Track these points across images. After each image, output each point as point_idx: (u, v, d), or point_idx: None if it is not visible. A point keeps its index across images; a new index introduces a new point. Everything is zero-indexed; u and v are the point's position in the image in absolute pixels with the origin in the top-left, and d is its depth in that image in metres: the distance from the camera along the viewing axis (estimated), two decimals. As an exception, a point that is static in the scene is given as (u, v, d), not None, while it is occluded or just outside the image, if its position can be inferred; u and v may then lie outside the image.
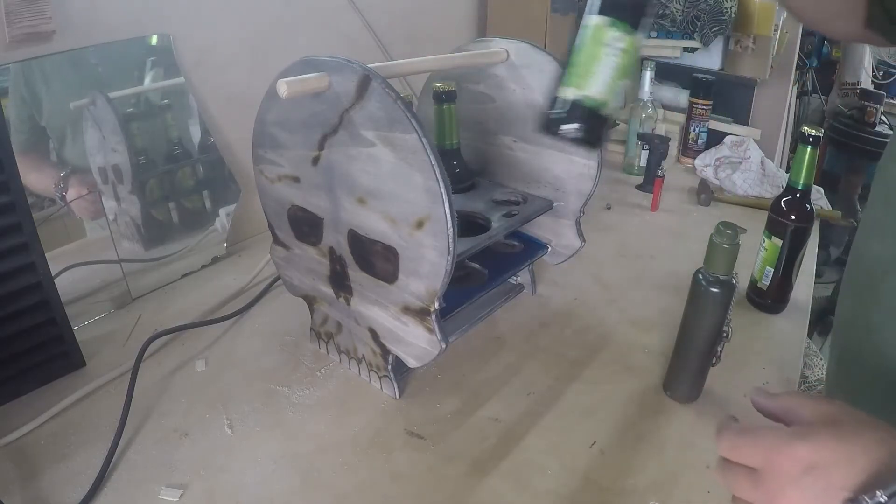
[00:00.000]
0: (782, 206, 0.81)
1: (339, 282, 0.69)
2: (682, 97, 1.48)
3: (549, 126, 0.51)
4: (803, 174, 0.79)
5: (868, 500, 0.32)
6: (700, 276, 0.63)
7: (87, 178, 0.84)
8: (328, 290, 0.71)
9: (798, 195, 0.80)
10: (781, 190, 0.84)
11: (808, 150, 0.78)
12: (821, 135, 0.77)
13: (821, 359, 1.64)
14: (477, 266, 0.77)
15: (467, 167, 0.83)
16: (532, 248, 0.85)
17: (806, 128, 0.76)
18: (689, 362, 0.67)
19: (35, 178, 0.70)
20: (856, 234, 0.60)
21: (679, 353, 0.69)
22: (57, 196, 0.81)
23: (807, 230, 0.81)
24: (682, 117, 1.45)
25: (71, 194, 0.82)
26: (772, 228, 0.83)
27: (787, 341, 0.81)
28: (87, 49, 0.82)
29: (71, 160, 0.82)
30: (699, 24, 1.43)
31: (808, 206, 0.80)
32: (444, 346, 0.61)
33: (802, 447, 0.35)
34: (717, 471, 0.40)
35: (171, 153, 0.95)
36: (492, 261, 0.77)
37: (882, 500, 0.32)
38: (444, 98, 0.77)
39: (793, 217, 0.80)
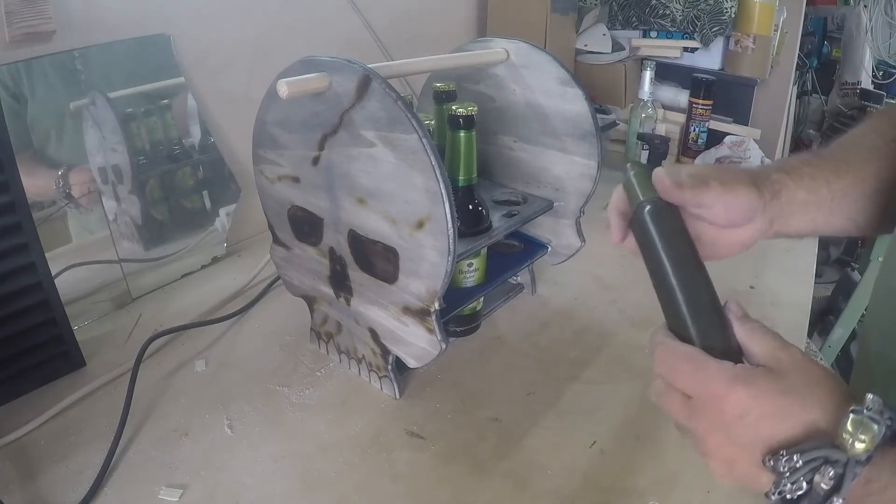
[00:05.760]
0: None
1: (339, 282, 0.69)
2: (682, 97, 1.48)
3: None
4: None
5: (784, 463, 0.32)
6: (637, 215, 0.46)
7: (84, 170, 0.84)
8: (328, 290, 0.71)
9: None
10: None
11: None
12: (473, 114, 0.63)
13: (821, 359, 1.64)
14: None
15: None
16: (532, 248, 0.85)
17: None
18: (696, 321, 0.41)
19: (29, 182, 0.68)
20: (882, 266, 0.56)
21: (670, 318, 0.43)
22: (60, 196, 0.81)
23: None
24: (682, 117, 1.45)
25: (76, 190, 0.82)
26: None
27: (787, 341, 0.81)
28: (88, 49, 0.82)
29: (61, 158, 0.81)
30: (699, 24, 1.43)
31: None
32: (444, 346, 0.61)
33: (741, 392, 0.34)
34: (652, 390, 0.39)
35: (171, 153, 0.95)
36: (492, 261, 0.77)
37: (797, 465, 0.31)
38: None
39: None
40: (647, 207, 0.44)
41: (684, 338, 0.41)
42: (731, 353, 0.39)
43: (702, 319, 0.41)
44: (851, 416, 0.30)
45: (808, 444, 0.32)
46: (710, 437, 0.36)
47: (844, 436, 0.30)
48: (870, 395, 0.31)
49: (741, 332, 0.39)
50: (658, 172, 0.44)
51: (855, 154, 0.49)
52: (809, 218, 0.47)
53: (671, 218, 0.44)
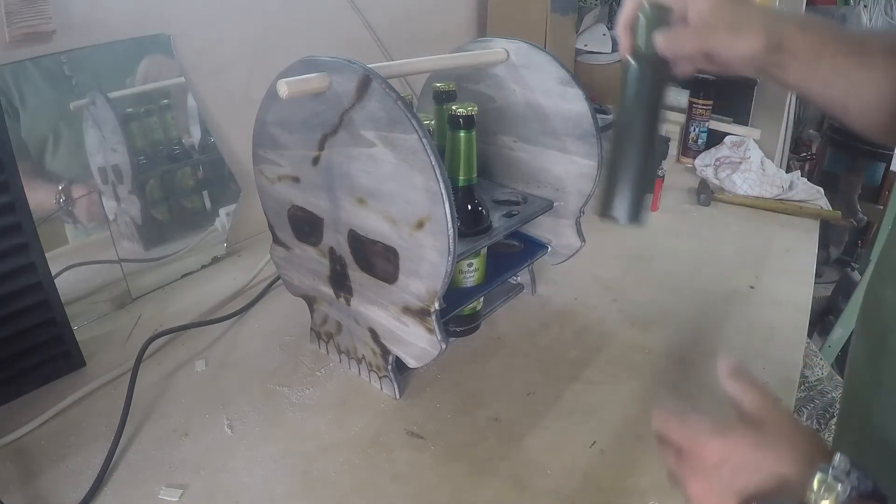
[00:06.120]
0: None
1: (339, 282, 0.69)
2: (682, 97, 1.48)
3: None
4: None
5: None
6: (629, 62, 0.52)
7: (87, 181, 0.84)
8: (328, 290, 0.71)
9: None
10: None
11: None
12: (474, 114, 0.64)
13: (821, 358, 1.64)
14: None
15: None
16: (532, 248, 0.85)
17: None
18: (626, 167, 0.55)
19: (28, 195, 0.67)
20: (871, 275, 0.57)
21: (614, 159, 0.55)
22: (62, 209, 0.81)
23: None
24: (682, 117, 1.45)
25: (78, 205, 0.82)
26: None
27: (787, 341, 0.81)
28: (81, 50, 0.82)
29: (59, 169, 0.81)
30: (699, 24, 1.43)
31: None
32: (444, 346, 0.62)
33: (718, 443, 0.38)
34: (658, 445, 0.44)
35: (171, 153, 0.95)
36: (492, 261, 0.77)
37: None
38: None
39: None
40: (634, 64, 0.51)
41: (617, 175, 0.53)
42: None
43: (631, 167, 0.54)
44: (818, 475, 0.32)
45: (777, 499, 0.34)
46: (693, 484, 0.39)
47: (810, 494, 0.32)
48: (838, 455, 0.33)
49: (733, 388, 0.42)
50: (660, 43, 0.48)
51: (872, 43, 0.48)
52: (802, 76, 0.48)
53: (653, 79, 0.51)
